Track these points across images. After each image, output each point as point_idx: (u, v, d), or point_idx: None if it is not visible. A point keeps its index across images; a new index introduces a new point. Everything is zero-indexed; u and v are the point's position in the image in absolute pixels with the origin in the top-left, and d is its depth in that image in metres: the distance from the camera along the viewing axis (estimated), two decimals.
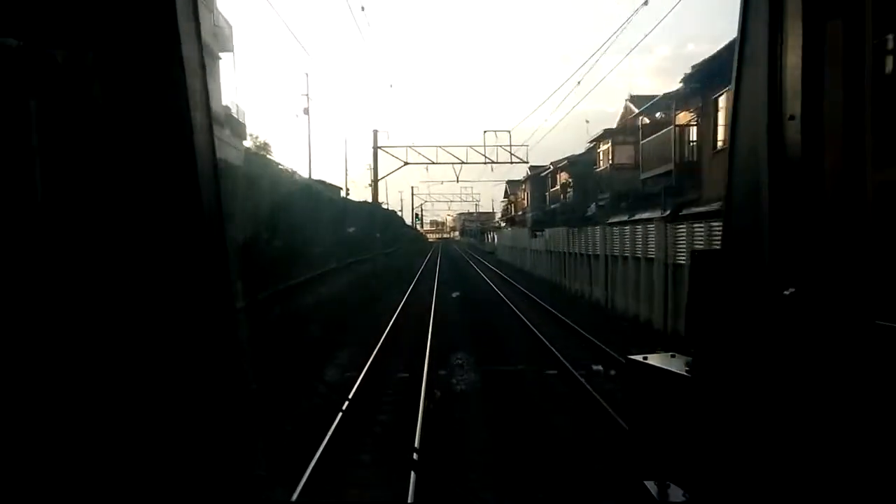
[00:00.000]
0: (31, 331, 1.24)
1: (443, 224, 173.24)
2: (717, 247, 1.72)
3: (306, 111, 53.41)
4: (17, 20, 1.22)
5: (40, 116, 1.23)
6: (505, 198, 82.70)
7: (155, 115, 1.27)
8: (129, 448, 1.29)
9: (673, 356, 1.74)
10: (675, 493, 1.68)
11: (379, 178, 39.13)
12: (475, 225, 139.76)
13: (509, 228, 63.21)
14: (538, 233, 41.62)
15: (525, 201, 59.44)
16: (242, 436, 1.46)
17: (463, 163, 37.82)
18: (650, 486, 1.72)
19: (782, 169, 1.39)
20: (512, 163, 38.23)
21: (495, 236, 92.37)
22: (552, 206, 45.44)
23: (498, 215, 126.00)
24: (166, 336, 1.29)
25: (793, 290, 1.35)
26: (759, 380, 1.44)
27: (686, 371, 1.64)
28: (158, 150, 1.27)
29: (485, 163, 38.07)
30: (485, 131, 37.04)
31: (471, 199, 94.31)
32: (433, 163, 37.63)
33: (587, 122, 73.57)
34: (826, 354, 1.33)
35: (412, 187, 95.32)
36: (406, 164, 37.42)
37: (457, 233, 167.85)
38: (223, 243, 1.38)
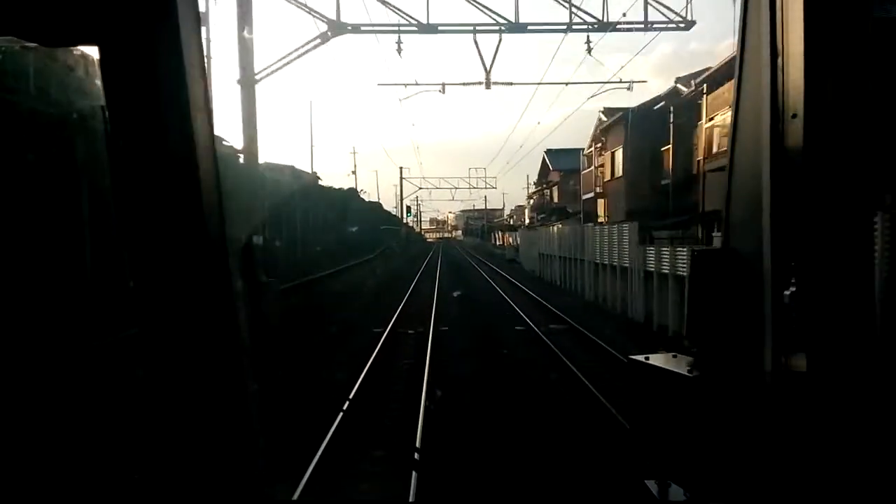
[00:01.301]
0: (27, 327, 1.18)
1: (443, 223, 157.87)
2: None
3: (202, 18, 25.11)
4: (18, 20, 1.25)
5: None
6: (541, 179, 56.94)
7: (155, 112, 1.28)
8: (128, 445, 1.30)
9: (675, 356, 1.75)
10: (676, 492, 1.70)
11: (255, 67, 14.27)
12: (480, 223, 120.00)
13: (557, 225, 36.90)
14: (658, 235, 17.89)
15: (608, 172, 33.07)
16: (243, 434, 1.44)
17: (504, 27, 13.11)
18: (651, 485, 1.75)
19: (784, 167, 1.41)
20: (663, 25, 13.48)
21: (511, 237, 68.33)
22: (714, 166, 20.79)
23: (507, 210, 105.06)
24: (165, 334, 1.32)
25: (793, 289, 1.38)
26: (760, 380, 1.47)
27: (688, 371, 1.65)
28: (159, 149, 1.29)
29: (566, 29, 13.35)
30: None
31: (484, 184, 68.36)
32: (416, 28, 12.97)
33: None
34: (827, 354, 1.36)
35: (401, 168, 69.20)
36: (346, 27, 12.74)
37: (459, 232, 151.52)
38: (223, 241, 1.39)
